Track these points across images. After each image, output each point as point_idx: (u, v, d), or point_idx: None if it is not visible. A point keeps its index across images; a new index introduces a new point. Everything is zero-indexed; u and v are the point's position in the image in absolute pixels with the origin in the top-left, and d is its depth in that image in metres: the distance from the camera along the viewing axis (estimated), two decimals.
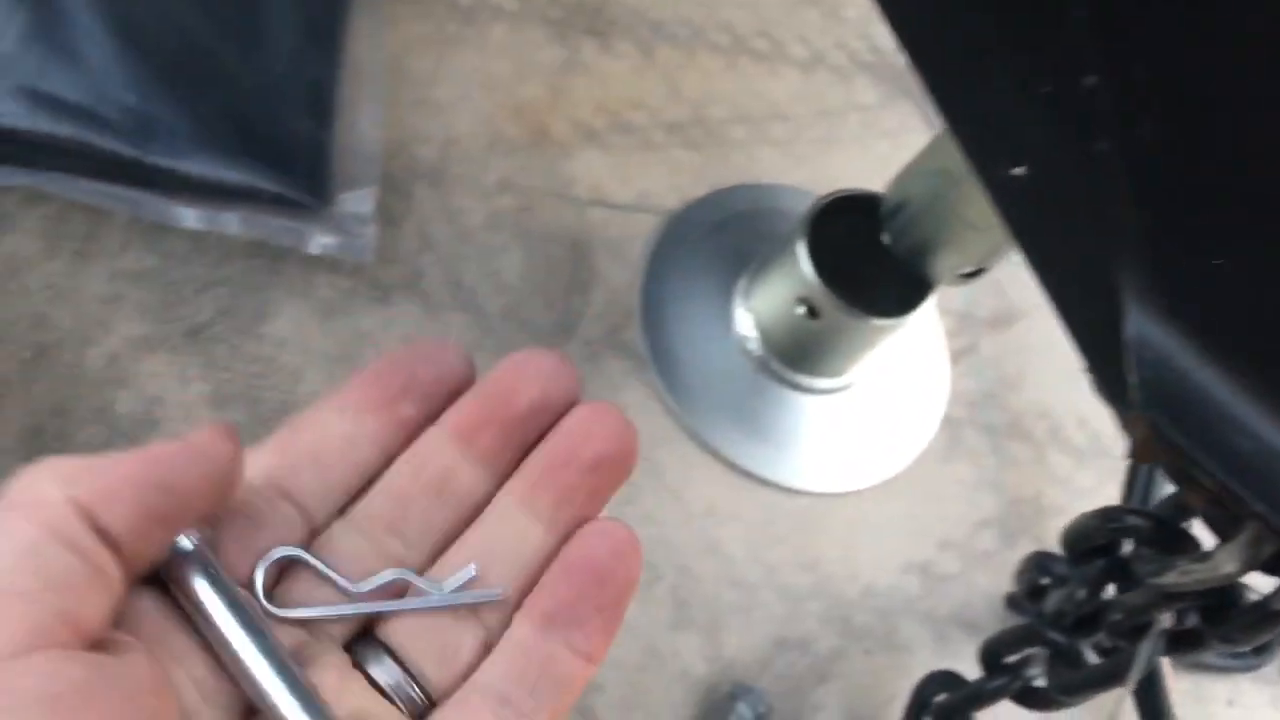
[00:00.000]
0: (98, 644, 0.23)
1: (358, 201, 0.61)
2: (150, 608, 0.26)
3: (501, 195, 0.67)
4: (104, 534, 0.24)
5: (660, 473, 0.62)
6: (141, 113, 0.58)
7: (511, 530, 0.30)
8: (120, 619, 0.24)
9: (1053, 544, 0.60)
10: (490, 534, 0.30)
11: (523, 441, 0.30)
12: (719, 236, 0.69)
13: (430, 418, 0.31)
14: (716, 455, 0.63)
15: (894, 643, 0.62)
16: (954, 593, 0.64)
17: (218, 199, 0.59)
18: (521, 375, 0.31)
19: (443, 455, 0.30)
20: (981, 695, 0.53)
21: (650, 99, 0.74)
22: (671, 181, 0.71)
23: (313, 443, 0.29)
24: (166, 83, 0.59)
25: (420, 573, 0.30)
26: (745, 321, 0.66)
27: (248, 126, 0.60)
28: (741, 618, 0.60)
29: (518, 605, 0.29)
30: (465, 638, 0.29)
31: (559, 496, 0.30)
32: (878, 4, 0.38)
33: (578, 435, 0.30)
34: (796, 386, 0.65)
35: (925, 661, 0.62)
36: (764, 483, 0.64)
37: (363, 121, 0.64)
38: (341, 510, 0.29)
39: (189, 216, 0.58)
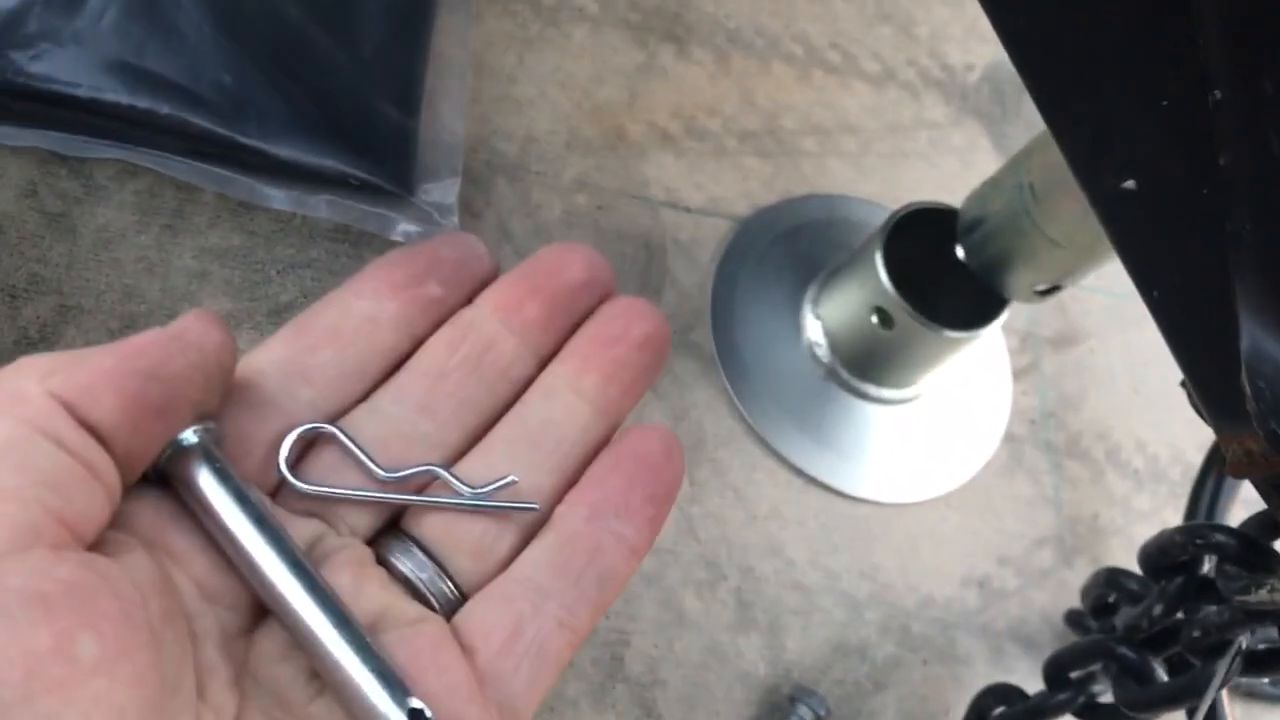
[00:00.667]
0: (95, 544, 0.22)
1: (442, 192, 0.61)
2: (148, 506, 0.24)
3: (578, 193, 0.68)
4: (91, 428, 0.22)
5: (725, 473, 0.63)
6: (236, 93, 0.59)
7: (558, 410, 0.28)
8: (118, 519, 0.23)
9: (1110, 564, 0.60)
10: (535, 414, 0.28)
11: (566, 321, 0.29)
12: (789, 244, 0.70)
13: (459, 303, 0.29)
14: (781, 459, 0.64)
15: (952, 655, 0.62)
16: (1011, 608, 0.64)
17: (306, 182, 0.60)
18: (566, 256, 0.30)
19: (484, 326, 0.28)
20: (1045, 710, 0.53)
21: (724, 106, 0.74)
22: (743, 188, 0.72)
23: (331, 323, 0.28)
24: (261, 66, 0.60)
25: (455, 457, 0.28)
26: (814, 328, 0.66)
27: (338, 112, 0.61)
28: (802, 621, 0.60)
29: (563, 491, 0.28)
30: (503, 531, 0.27)
31: (607, 375, 0.29)
32: (986, 10, 0.38)
33: (623, 317, 0.29)
34: (863, 395, 0.66)
35: (982, 675, 0.62)
36: (827, 489, 0.64)
37: (446, 114, 0.65)
38: (365, 396, 0.28)
39: (278, 198, 0.59)
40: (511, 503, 0.27)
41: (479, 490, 0.27)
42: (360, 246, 0.62)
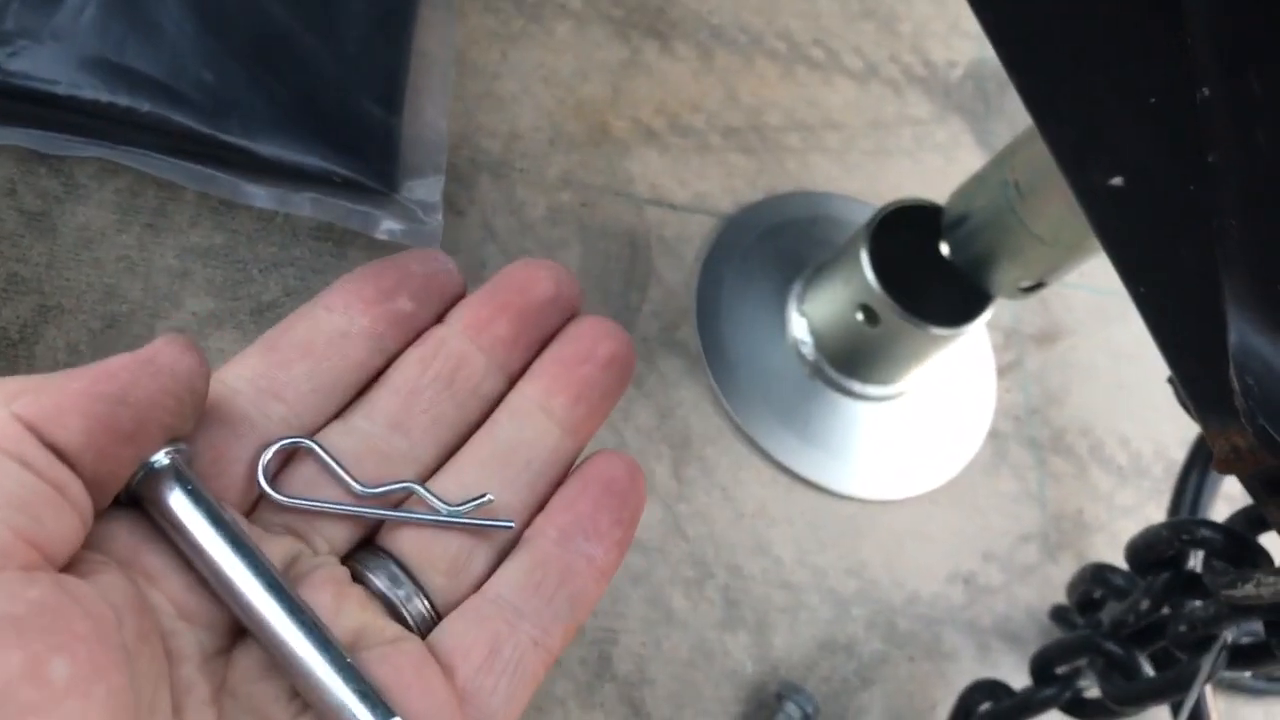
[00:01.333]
0: (68, 565, 0.22)
1: (425, 189, 0.61)
2: (124, 527, 0.24)
3: (562, 190, 0.68)
4: (58, 451, 0.22)
5: (711, 471, 0.63)
6: (218, 91, 0.58)
7: (528, 430, 0.29)
8: (92, 541, 0.23)
9: (1094, 559, 0.60)
10: (505, 433, 0.29)
11: (534, 337, 0.30)
12: (774, 241, 0.70)
13: (429, 319, 0.29)
14: (767, 457, 0.64)
15: (938, 651, 0.62)
16: (997, 604, 0.65)
17: (289, 180, 0.59)
18: (535, 272, 0.30)
19: (454, 344, 0.29)
20: (1031, 705, 0.54)
21: (708, 102, 0.74)
22: (727, 184, 0.72)
23: (303, 338, 0.28)
24: (243, 63, 0.59)
25: (428, 475, 0.28)
26: (800, 325, 0.66)
27: (321, 110, 0.60)
28: (789, 619, 0.60)
29: (534, 513, 0.28)
30: (478, 550, 0.28)
31: (575, 395, 0.29)
32: (973, 7, 0.38)
33: (590, 337, 0.30)
34: (849, 392, 0.66)
35: (968, 671, 0.62)
36: (813, 486, 0.64)
37: (429, 111, 0.65)
38: (339, 413, 0.28)
39: (260, 196, 0.59)
40: (488, 520, 0.27)
41: (455, 508, 0.27)
42: (344, 245, 0.62)
